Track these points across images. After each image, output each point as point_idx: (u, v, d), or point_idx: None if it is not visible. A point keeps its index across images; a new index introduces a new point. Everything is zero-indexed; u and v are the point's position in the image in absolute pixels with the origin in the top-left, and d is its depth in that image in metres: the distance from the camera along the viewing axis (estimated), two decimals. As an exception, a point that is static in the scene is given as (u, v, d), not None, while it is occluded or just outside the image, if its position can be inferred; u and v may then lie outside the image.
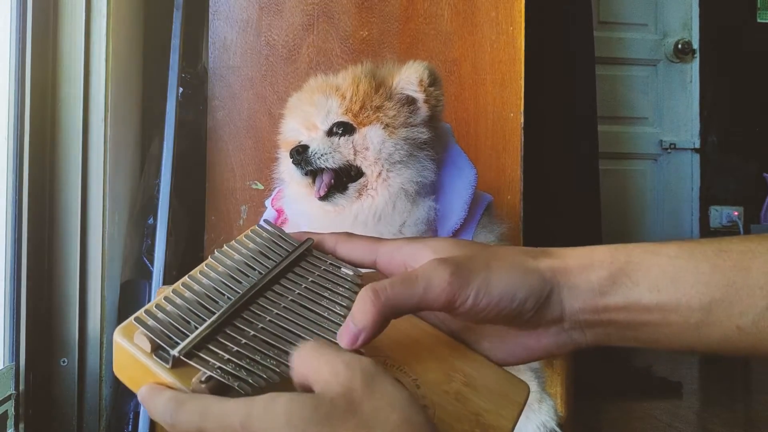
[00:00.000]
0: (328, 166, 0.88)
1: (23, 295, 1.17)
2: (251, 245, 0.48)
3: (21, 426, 1.17)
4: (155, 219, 1.36)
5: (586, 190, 2.18)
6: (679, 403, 1.91)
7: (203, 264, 0.46)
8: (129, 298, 1.39)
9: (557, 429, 0.81)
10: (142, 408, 1.27)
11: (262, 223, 0.51)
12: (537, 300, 0.42)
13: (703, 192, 2.93)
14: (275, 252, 0.48)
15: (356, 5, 1.46)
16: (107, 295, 1.32)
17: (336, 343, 0.40)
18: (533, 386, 0.82)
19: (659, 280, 0.41)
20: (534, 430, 0.80)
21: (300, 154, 0.89)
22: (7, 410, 1.14)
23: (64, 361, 1.26)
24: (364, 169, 0.89)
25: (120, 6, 1.38)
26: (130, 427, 1.30)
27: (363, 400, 0.35)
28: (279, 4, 1.46)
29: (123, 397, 1.32)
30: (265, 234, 0.49)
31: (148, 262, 1.42)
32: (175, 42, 1.41)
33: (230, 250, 0.47)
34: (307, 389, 0.37)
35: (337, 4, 1.46)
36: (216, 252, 0.47)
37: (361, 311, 0.41)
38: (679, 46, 2.89)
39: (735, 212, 2.88)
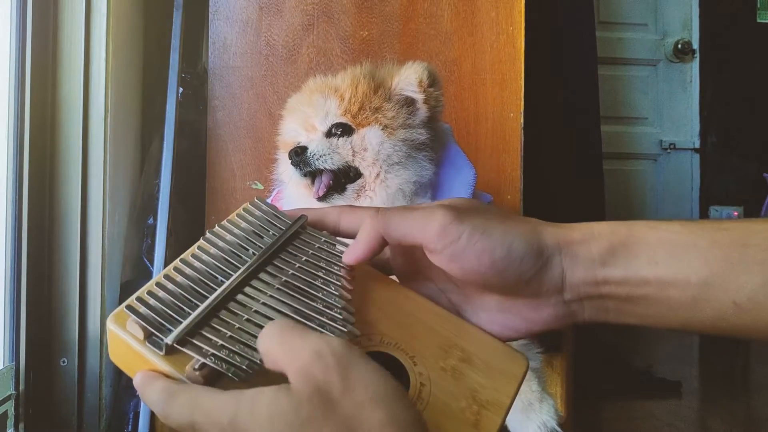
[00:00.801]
0: (327, 167, 0.89)
1: (23, 295, 1.17)
2: (243, 224, 0.47)
3: (21, 426, 1.17)
4: (155, 219, 1.36)
5: (589, 190, 2.17)
6: (679, 403, 1.91)
7: (195, 246, 0.45)
8: (129, 298, 1.38)
9: (558, 428, 0.81)
10: (142, 408, 1.27)
11: (255, 200, 0.50)
12: (536, 260, 0.42)
13: (703, 192, 2.93)
14: (268, 231, 0.47)
15: (356, 5, 1.46)
16: (107, 295, 1.32)
17: (304, 324, 0.40)
18: (534, 386, 0.82)
19: (658, 253, 0.41)
20: (535, 430, 0.80)
21: (299, 156, 0.89)
22: (7, 410, 1.14)
23: (64, 361, 1.26)
24: (362, 170, 0.89)
25: (120, 6, 1.38)
26: (130, 427, 1.30)
27: (343, 397, 0.33)
28: (279, 4, 1.46)
29: (123, 397, 1.32)
30: (257, 212, 0.48)
31: (148, 262, 1.42)
32: (175, 42, 1.41)
33: (222, 231, 0.46)
34: (281, 372, 0.36)
35: (337, 4, 1.46)
36: (208, 233, 0.46)
37: (361, 229, 0.44)
38: (679, 46, 2.89)
39: (735, 212, 2.88)
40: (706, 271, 0.40)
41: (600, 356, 1.96)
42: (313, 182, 0.91)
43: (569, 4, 2.12)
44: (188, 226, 1.48)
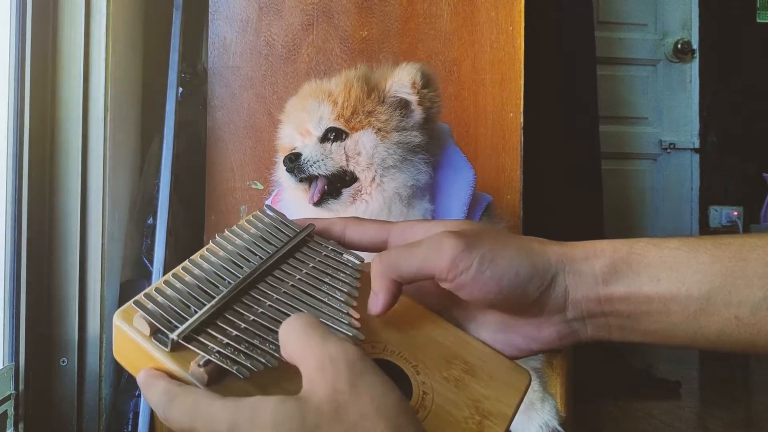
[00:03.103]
0: (321, 172, 0.89)
1: (23, 295, 1.17)
2: (252, 230, 0.48)
3: (21, 426, 1.17)
4: (155, 219, 1.36)
5: (587, 190, 2.18)
6: (679, 403, 1.91)
7: (204, 248, 0.46)
8: (129, 298, 1.37)
9: (559, 428, 0.81)
10: (141, 408, 1.27)
11: (264, 207, 0.50)
12: (541, 282, 0.42)
13: (702, 192, 2.93)
14: (276, 237, 0.47)
15: (356, 5, 1.46)
16: (107, 295, 1.32)
17: (326, 324, 0.40)
18: (535, 385, 0.82)
19: (660, 269, 0.42)
20: (537, 430, 0.80)
21: (293, 162, 0.89)
22: (6, 410, 1.14)
23: (64, 361, 1.26)
24: (357, 174, 0.89)
25: (120, 6, 1.38)
26: (129, 427, 1.29)
27: (349, 405, 0.34)
28: (279, 4, 1.46)
29: (123, 397, 1.32)
30: (266, 219, 0.49)
31: (148, 262, 1.42)
32: (175, 42, 1.41)
33: (231, 235, 0.47)
34: (294, 364, 0.37)
35: (337, 4, 1.46)
36: (217, 237, 0.46)
37: (373, 277, 0.43)
38: (679, 46, 2.89)
39: (734, 212, 2.88)
40: (707, 286, 0.41)
41: (600, 356, 1.96)
42: (310, 187, 0.91)
43: (569, 4, 2.12)
44: (188, 226, 1.48)
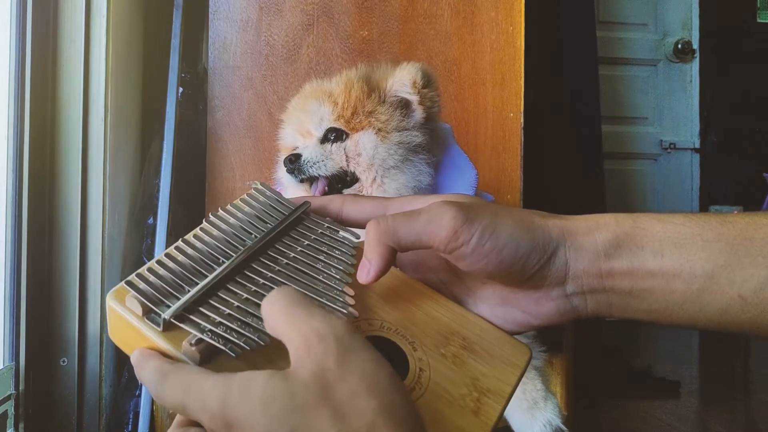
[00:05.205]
0: (321, 173, 0.89)
1: (23, 295, 1.17)
2: (247, 209, 0.47)
3: (21, 426, 1.17)
4: (155, 219, 1.36)
5: (588, 190, 2.18)
6: (678, 403, 1.91)
7: (198, 228, 0.45)
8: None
9: (562, 427, 0.81)
10: (142, 408, 1.27)
11: (259, 185, 0.50)
12: (541, 254, 0.42)
13: (702, 192, 2.94)
14: (271, 215, 0.47)
15: (356, 5, 1.46)
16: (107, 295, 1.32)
17: (309, 296, 0.39)
18: (538, 384, 0.82)
19: (664, 245, 0.41)
20: (540, 428, 0.80)
21: (293, 163, 0.89)
22: (7, 410, 1.14)
23: (64, 361, 1.26)
24: (358, 175, 0.89)
25: (120, 6, 1.38)
26: (130, 426, 1.29)
27: (337, 383, 0.33)
28: (279, 4, 1.46)
29: (123, 397, 1.32)
30: (261, 197, 0.48)
31: (147, 262, 1.42)
32: (175, 42, 1.41)
33: (226, 214, 0.46)
34: (279, 340, 0.36)
35: (337, 4, 1.46)
36: (211, 216, 0.46)
37: (367, 243, 0.42)
38: (679, 46, 2.89)
39: (735, 212, 2.88)
40: (711, 264, 0.40)
41: (600, 356, 1.96)
42: (311, 187, 0.91)
43: (569, 4, 2.12)
44: (188, 226, 1.47)
